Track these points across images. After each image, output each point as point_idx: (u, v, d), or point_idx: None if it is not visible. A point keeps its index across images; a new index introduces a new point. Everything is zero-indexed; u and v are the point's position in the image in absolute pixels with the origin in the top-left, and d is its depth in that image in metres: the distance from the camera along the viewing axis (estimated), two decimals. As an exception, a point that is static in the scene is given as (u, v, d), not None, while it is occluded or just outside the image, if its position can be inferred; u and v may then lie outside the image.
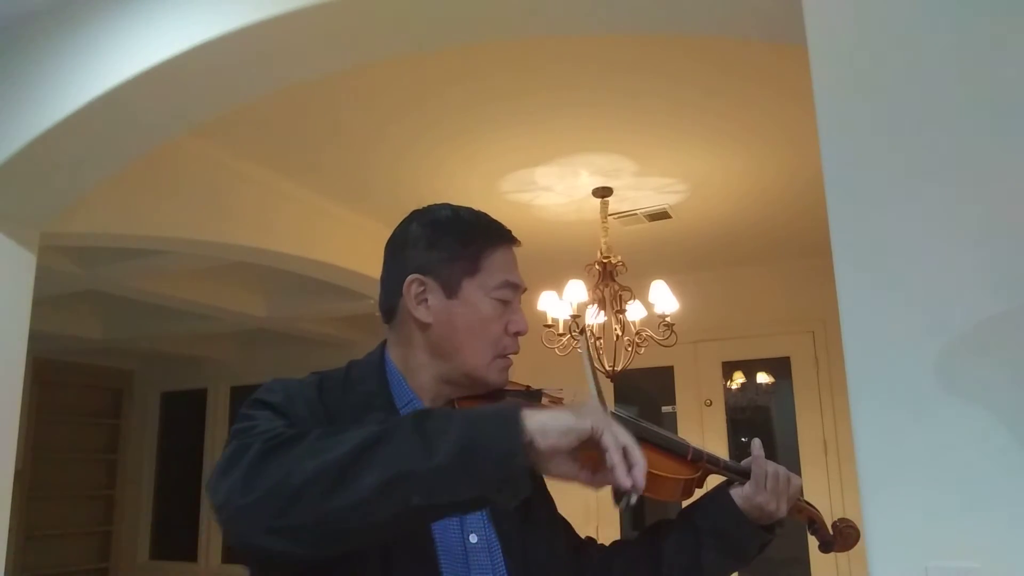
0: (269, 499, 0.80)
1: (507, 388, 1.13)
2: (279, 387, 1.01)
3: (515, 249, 1.14)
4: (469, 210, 1.13)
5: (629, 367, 3.73)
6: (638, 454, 0.83)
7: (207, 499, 0.87)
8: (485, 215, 1.14)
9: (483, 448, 0.79)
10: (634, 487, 0.82)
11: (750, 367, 5.32)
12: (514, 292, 1.10)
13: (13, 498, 2.48)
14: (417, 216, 1.13)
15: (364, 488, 0.78)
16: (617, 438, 0.83)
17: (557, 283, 3.82)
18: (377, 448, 0.80)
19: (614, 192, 3.84)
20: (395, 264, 1.10)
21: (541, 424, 0.81)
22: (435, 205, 1.14)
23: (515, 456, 0.79)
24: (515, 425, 0.80)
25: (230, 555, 6.58)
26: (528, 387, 1.16)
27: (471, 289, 1.07)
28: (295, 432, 0.86)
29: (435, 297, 1.07)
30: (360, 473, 0.79)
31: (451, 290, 1.07)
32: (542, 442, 0.80)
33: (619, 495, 0.84)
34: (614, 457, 0.82)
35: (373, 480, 0.79)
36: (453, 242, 1.08)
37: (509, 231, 1.13)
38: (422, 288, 1.07)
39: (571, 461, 0.84)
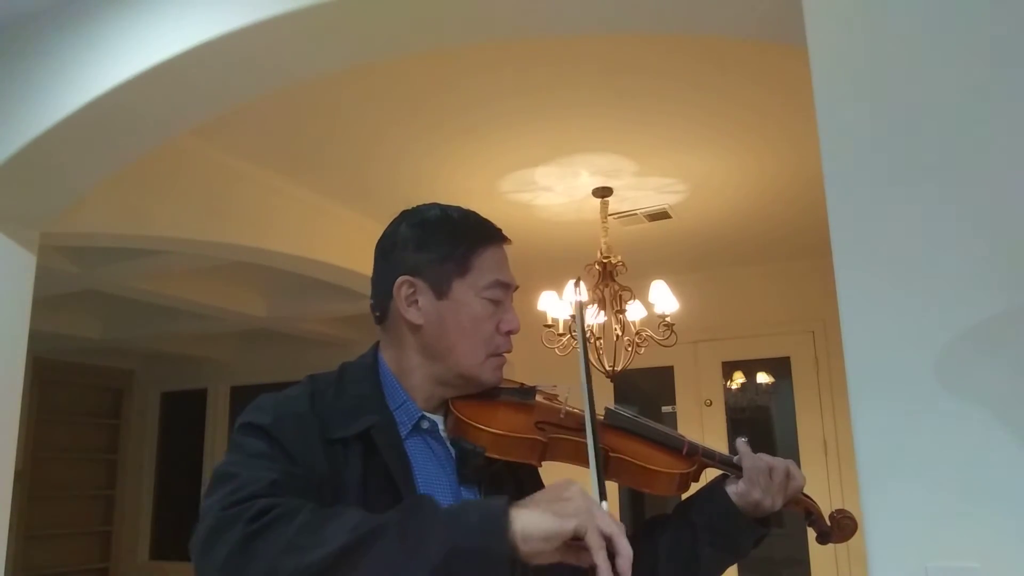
0: None
1: (501, 386, 1.13)
2: (269, 405, 1.01)
3: (513, 248, 1.14)
4: (458, 209, 1.13)
5: (629, 367, 3.73)
6: (624, 544, 0.81)
7: (193, 565, 0.87)
8: (474, 214, 1.13)
9: (468, 555, 0.78)
10: None
11: (750, 367, 5.32)
12: (505, 291, 1.10)
13: (13, 498, 2.48)
14: (406, 217, 1.12)
15: None
16: (601, 535, 0.80)
17: (557, 283, 3.82)
18: (360, 552, 0.79)
19: (614, 192, 3.84)
20: (385, 266, 1.10)
21: (524, 528, 0.79)
22: (424, 205, 1.13)
23: (500, 564, 0.79)
24: (500, 533, 0.79)
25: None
26: (522, 384, 1.16)
27: (462, 289, 1.07)
28: (280, 511, 0.84)
29: (426, 298, 1.06)
30: (340, 574, 0.79)
31: (441, 291, 1.06)
32: (524, 547, 0.79)
33: None
34: (598, 560, 0.80)
35: None
36: (442, 243, 1.07)
37: (499, 230, 1.12)
38: (412, 290, 1.06)
39: (554, 554, 0.82)
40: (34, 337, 2.65)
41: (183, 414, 7.03)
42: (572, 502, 0.82)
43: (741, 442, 1.16)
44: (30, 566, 5.95)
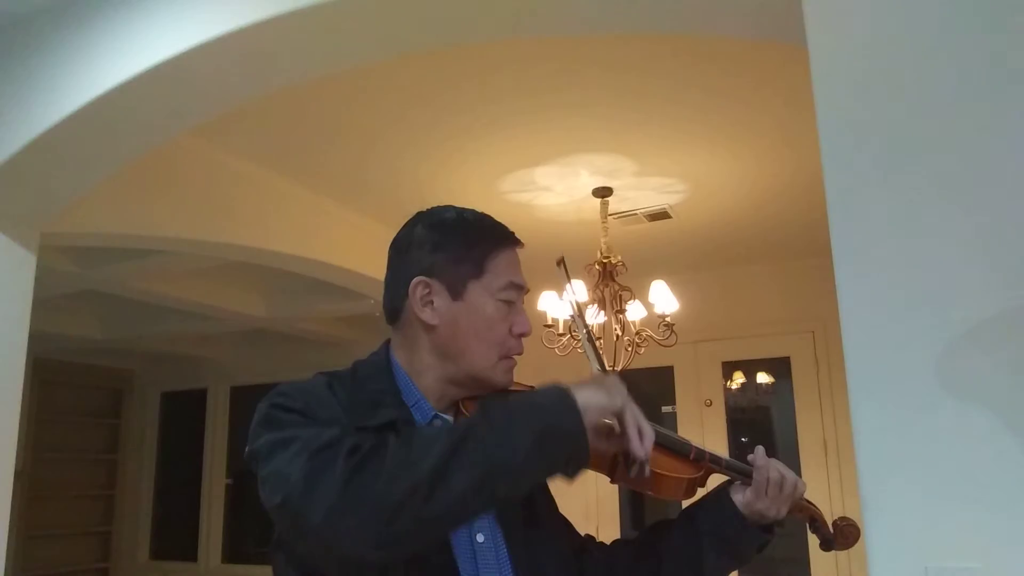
0: (374, 516, 0.83)
1: (511, 389, 1.13)
2: (295, 391, 1.00)
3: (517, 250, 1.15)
4: (473, 212, 1.13)
5: (629, 367, 3.73)
6: (648, 428, 0.95)
7: (288, 516, 0.89)
8: (489, 217, 1.14)
9: (555, 433, 0.88)
10: (644, 457, 0.93)
11: (750, 367, 5.32)
12: (518, 293, 1.11)
13: (13, 498, 2.47)
14: (422, 218, 1.13)
15: (459, 490, 0.84)
16: (634, 414, 0.95)
17: (557, 283, 3.81)
18: (462, 451, 0.85)
19: (614, 192, 3.84)
20: (400, 266, 1.10)
21: (585, 402, 0.90)
22: (439, 207, 1.14)
23: (580, 435, 0.89)
24: (573, 408, 0.89)
25: (230, 555, 6.58)
26: (532, 388, 1.16)
27: (476, 291, 1.07)
28: (370, 446, 0.88)
29: (441, 299, 1.07)
30: (452, 478, 0.84)
31: (457, 292, 1.07)
32: (586, 419, 0.89)
33: (629, 465, 0.94)
34: (631, 431, 0.93)
35: (466, 482, 0.84)
36: (458, 244, 1.08)
37: (513, 233, 1.13)
38: (428, 290, 1.07)
39: (594, 436, 0.91)
40: (34, 337, 2.65)
41: (183, 414, 7.03)
42: (615, 386, 0.96)
43: (760, 452, 1.17)
44: (30, 566, 5.95)
